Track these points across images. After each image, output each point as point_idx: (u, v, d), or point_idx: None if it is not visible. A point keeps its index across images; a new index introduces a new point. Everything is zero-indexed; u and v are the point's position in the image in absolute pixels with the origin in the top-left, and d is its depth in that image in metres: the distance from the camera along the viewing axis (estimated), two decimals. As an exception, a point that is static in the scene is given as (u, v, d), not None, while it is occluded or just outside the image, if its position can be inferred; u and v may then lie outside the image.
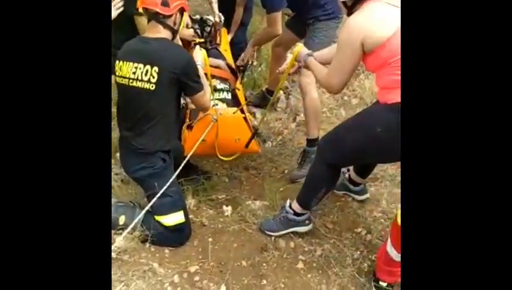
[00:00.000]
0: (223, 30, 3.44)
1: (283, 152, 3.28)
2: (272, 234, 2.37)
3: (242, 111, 2.76)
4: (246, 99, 3.24)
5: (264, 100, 3.59)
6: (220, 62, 3.06)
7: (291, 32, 3.13)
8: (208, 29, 3.32)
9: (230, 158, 2.80)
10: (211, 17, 3.36)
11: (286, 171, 3.05)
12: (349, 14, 1.99)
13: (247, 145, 2.76)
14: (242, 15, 3.60)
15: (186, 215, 2.32)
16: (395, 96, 1.85)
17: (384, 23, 1.81)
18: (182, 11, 2.20)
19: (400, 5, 1.82)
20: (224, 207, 2.60)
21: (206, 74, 2.50)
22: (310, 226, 2.37)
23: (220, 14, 3.34)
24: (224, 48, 3.34)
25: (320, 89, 3.28)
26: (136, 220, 2.10)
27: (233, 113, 2.69)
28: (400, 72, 1.81)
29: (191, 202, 2.62)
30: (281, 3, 2.97)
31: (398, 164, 2.83)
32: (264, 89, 3.63)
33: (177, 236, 2.29)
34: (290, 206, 2.35)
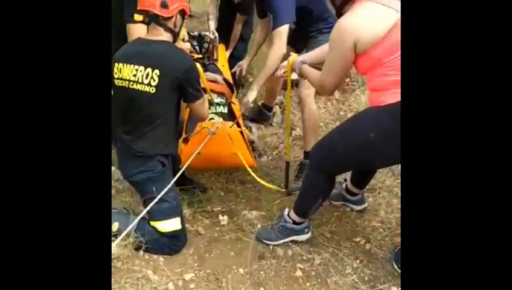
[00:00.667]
0: (221, 46, 3.47)
1: (279, 166, 3.24)
2: (270, 243, 2.31)
3: (238, 125, 2.75)
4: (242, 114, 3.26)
5: (260, 115, 3.59)
6: (217, 77, 3.06)
7: (289, 46, 3.02)
8: (206, 45, 3.36)
9: (272, 186, 2.79)
10: (208, 34, 3.41)
11: (283, 184, 3.01)
12: (339, 14, 2.00)
13: (286, 186, 2.82)
14: (242, 30, 3.64)
15: (182, 222, 2.26)
16: (388, 98, 1.83)
17: (376, 23, 1.81)
18: (182, 13, 2.19)
19: (390, 5, 1.83)
20: (220, 217, 2.55)
21: (204, 88, 2.52)
22: (309, 235, 2.33)
23: (214, 30, 3.40)
24: (222, 63, 3.37)
25: (316, 104, 3.29)
26: (131, 226, 2.02)
27: (230, 127, 2.66)
28: (393, 72, 1.80)
29: (186, 211, 2.57)
30: (291, 16, 2.71)
31: (396, 175, 2.83)
32: (260, 103, 3.63)
33: (173, 243, 2.23)
34: (289, 215, 2.30)
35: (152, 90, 2.09)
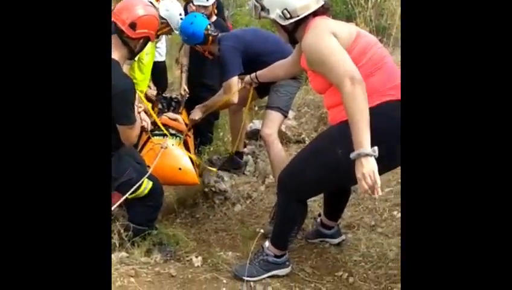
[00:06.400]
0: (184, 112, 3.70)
1: (254, 213, 3.17)
2: (251, 279, 2.14)
3: (186, 146, 3.17)
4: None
5: (232, 163, 3.54)
6: (178, 117, 3.37)
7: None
8: (173, 104, 3.69)
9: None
10: (178, 97, 3.85)
11: (258, 230, 2.89)
12: (293, 41, 2.02)
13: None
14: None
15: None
16: None
17: (343, 29, 1.82)
18: (146, 39, 2.28)
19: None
20: (194, 258, 2.39)
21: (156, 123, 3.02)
22: (289, 269, 2.20)
23: (186, 87, 3.88)
24: (184, 117, 3.53)
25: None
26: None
27: (178, 145, 3.03)
28: None
29: (156, 256, 2.40)
30: (235, 69, 2.88)
31: (374, 212, 2.78)
32: (231, 152, 3.60)
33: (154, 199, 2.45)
34: (268, 248, 2.18)
35: None
